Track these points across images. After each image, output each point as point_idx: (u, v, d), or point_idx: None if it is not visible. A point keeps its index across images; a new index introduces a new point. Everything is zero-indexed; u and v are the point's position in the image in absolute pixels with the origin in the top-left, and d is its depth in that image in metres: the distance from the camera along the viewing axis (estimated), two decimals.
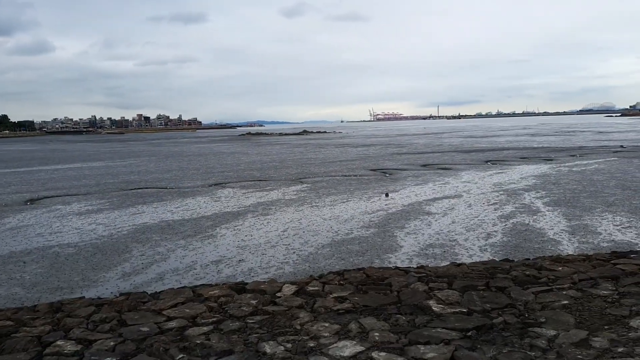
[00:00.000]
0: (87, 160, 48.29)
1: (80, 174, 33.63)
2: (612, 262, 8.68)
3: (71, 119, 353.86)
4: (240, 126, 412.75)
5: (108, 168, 38.19)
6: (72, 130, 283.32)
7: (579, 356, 4.95)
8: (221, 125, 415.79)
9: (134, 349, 5.65)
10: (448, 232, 13.38)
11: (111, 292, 9.27)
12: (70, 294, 9.32)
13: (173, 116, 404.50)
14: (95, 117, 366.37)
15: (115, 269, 10.98)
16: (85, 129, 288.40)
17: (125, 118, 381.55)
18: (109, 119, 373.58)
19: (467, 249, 11.71)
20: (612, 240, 11.89)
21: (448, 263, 9.93)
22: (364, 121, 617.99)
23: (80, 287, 9.85)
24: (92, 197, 21.96)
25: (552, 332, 5.58)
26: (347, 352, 5.26)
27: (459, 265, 9.27)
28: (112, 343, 5.80)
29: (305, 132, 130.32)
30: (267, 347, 5.48)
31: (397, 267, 9.38)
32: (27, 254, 12.52)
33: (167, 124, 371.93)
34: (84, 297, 8.53)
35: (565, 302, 6.59)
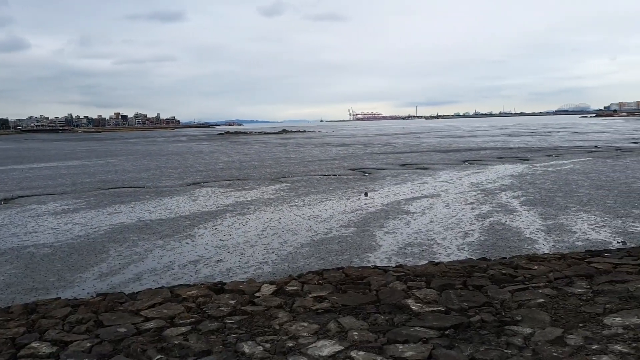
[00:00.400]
0: (63, 159, 47.64)
1: (56, 173, 33.18)
2: (586, 260, 8.82)
3: (47, 117, 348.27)
4: (219, 125, 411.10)
5: (85, 167, 37.73)
6: (48, 128, 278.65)
7: (554, 354, 5.02)
8: (199, 124, 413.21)
9: (111, 350, 5.59)
10: (426, 231, 13.48)
11: (88, 293, 9.16)
12: (45, 294, 9.19)
13: (151, 115, 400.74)
14: (71, 115, 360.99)
15: (92, 269, 10.86)
16: (61, 128, 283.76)
17: (103, 117, 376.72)
18: (86, 117, 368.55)
19: (445, 247, 11.81)
20: (587, 239, 12.09)
21: (426, 262, 10.00)
22: (343, 120, 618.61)
23: (56, 287, 9.72)
24: (69, 197, 21.68)
25: (528, 330, 5.65)
26: (326, 352, 5.27)
27: (437, 264, 9.34)
28: (88, 344, 5.73)
29: (284, 131, 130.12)
30: (246, 347, 5.46)
31: (376, 267, 9.41)
32: (0, 254, 12.31)
33: (145, 123, 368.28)
34: (59, 297, 8.41)
35: (541, 300, 6.68)
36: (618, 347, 5.08)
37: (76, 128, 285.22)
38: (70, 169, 36.64)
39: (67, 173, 33.11)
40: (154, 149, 62.84)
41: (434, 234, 13.16)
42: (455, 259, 10.34)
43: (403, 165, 32.47)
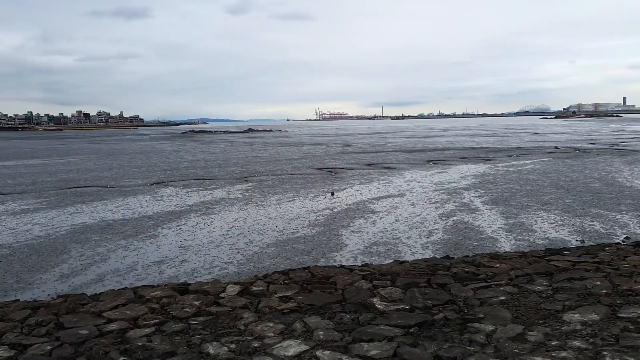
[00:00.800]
0: (23, 158, 46.46)
1: (15, 172, 32.33)
2: (546, 258, 9.03)
3: (5, 115, 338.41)
4: (184, 123, 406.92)
5: (45, 166, 36.86)
6: (7, 126, 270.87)
7: (515, 350, 5.13)
8: (164, 122, 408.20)
9: (72, 352, 5.48)
10: (392, 230, 13.59)
11: (48, 295, 8.96)
12: (3, 297, 8.94)
13: (114, 113, 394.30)
14: (31, 113, 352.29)
15: (53, 271, 10.62)
16: (20, 125, 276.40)
17: (64, 114, 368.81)
18: (47, 115, 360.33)
19: (409, 246, 11.93)
20: (547, 238, 12.37)
21: (391, 261, 10.10)
22: (310, 120, 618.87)
23: (14, 289, 9.48)
24: (28, 196, 21.15)
25: (490, 327, 5.76)
26: (291, 352, 5.27)
27: (402, 263, 9.45)
28: (48, 347, 5.61)
29: (250, 130, 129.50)
30: (211, 348, 5.42)
31: (342, 266, 9.47)
32: None
33: (108, 121, 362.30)
34: (18, 300, 8.20)
35: (503, 297, 6.82)
36: (576, 343, 5.21)
37: (37, 126, 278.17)
38: (30, 167, 35.75)
39: (27, 172, 32.30)
40: (117, 148, 61.80)
41: (399, 233, 13.29)
42: (420, 258, 10.46)
43: (369, 164, 32.67)
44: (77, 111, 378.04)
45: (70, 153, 53.16)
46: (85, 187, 24.08)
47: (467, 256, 10.18)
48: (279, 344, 5.48)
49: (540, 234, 12.83)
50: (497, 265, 8.65)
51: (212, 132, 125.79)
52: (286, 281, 8.07)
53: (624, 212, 15.11)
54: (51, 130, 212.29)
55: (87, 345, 5.63)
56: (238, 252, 11.74)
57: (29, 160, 42.98)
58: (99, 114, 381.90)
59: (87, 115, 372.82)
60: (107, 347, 5.53)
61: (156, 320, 6.38)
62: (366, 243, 12.33)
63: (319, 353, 5.22)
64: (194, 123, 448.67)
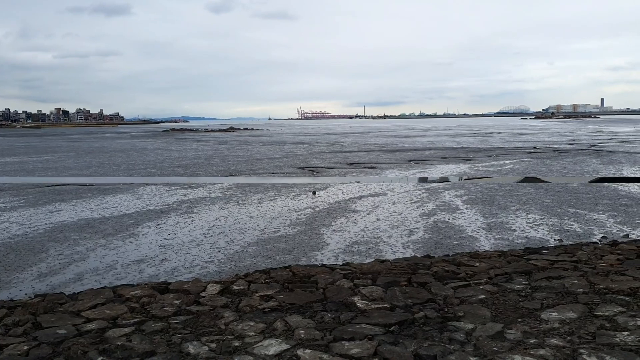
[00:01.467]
0: (0, 155, 45.77)
1: None
2: (525, 257, 9.13)
3: None
4: (165, 122, 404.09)
5: (23, 164, 36.32)
6: None
7: (495, 348, 5.18)
8: (144, 120, 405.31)
9: (50, 352, 5.41)
10: (373, 229, 13.64)
11: (25, 294, 8.83)
12: None
13: (94, 111, 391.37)
14: (9, 110, 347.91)
15: (30, 270, 10.47)
16: None
17: (43, 112, 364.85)
18: (25, 112, 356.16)
19: (390, 245, 11.97)
20: (526, 237, 12.50)
21: (372, 260, 10.13)
22: (291, 119, 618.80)
23: None
24: (5, 194, 20.83)
25: (470, 326, 5.81)
26: (272, 351, 5.26)
27: (383, 261, 9.48)
28: (25, 347, 5.53)
29: (232, 128, 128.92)
30: (191, 348, 5.40)
31: (323, 265, 9.48)
32: None
33: (87, 119, 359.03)
34: None
35: (482, 296, 6.88)
36: (554, 341, 5.28)
37: (14, 123, 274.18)
38: (7, 165, 35.21)
39: (3, 170, 31.80)
40: (97, 146, 61.12)
41: (380, 232, 13.33)
42: (401, 257, 10.52)
43: (351, 164, 32.74)
44: (56, 108, 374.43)
45: (48, 151, 52.45)
46: (64, 185, 23.79)
47: (448, 255, 10.25)
48: (260, 343, 5.47)
49: (519, 233, 12.97)
50: (477, 264, 8.73)
51: (193, 130, 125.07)
52: (267, 280, 8.05)
53: (601, 212, 15.33)
54: (29, 128, 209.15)
55: (65, 345, 5.57)
56: (219, 251, 11.69)
57: (6, 158, 42.33)
58: (79, 111, 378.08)
59: (66, 113, 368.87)
60: (85, 347, 5.48)
61: (136, 320, 6.33)
62: (347, 242, 12.36)
63: (299, 352, 5.22)
64: (175, 121, 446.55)
